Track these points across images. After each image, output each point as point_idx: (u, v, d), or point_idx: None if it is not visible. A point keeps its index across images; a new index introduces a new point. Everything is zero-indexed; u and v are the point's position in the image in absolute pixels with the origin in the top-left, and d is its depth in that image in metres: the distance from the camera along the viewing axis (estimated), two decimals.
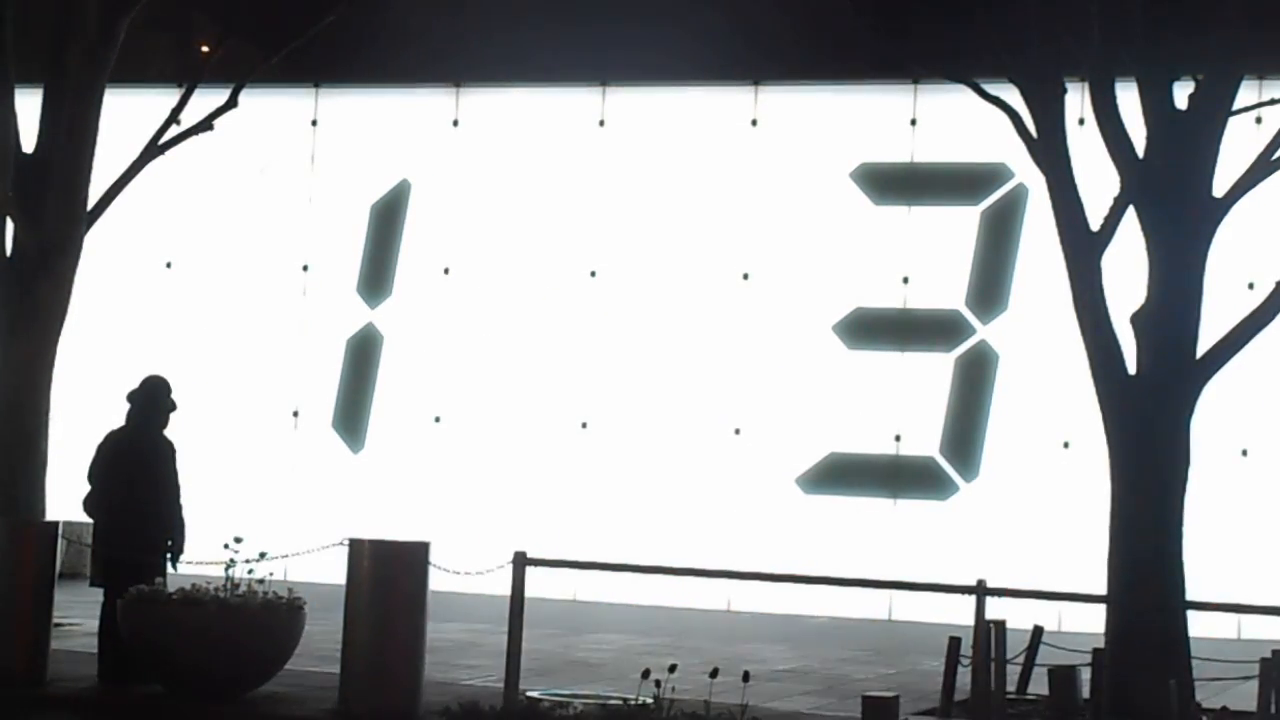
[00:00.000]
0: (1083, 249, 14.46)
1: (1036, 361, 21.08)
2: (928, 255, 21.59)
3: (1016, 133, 14.75)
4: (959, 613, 14.48)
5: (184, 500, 14.25)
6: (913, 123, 21.81)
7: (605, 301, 22.50)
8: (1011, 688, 13.85)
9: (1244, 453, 20.50)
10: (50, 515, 16.72)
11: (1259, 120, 17.55)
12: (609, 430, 22.34)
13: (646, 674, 11.62)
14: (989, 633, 12.98)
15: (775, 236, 22.10)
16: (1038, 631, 14.53)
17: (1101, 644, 13.82)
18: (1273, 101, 15.67)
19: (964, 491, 21.32)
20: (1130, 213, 14.45)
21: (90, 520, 14.31)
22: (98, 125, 17.89)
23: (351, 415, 23.17)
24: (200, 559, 13.77)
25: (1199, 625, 14.30)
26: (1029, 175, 19.51)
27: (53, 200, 17.57)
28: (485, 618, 17.36)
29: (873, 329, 21.73)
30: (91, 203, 17.89)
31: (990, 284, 21.41)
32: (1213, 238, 14.39)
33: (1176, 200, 14.26)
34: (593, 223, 22.65)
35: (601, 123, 22.76)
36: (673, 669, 11.67)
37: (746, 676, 11.90)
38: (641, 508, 21.99)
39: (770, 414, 21.92)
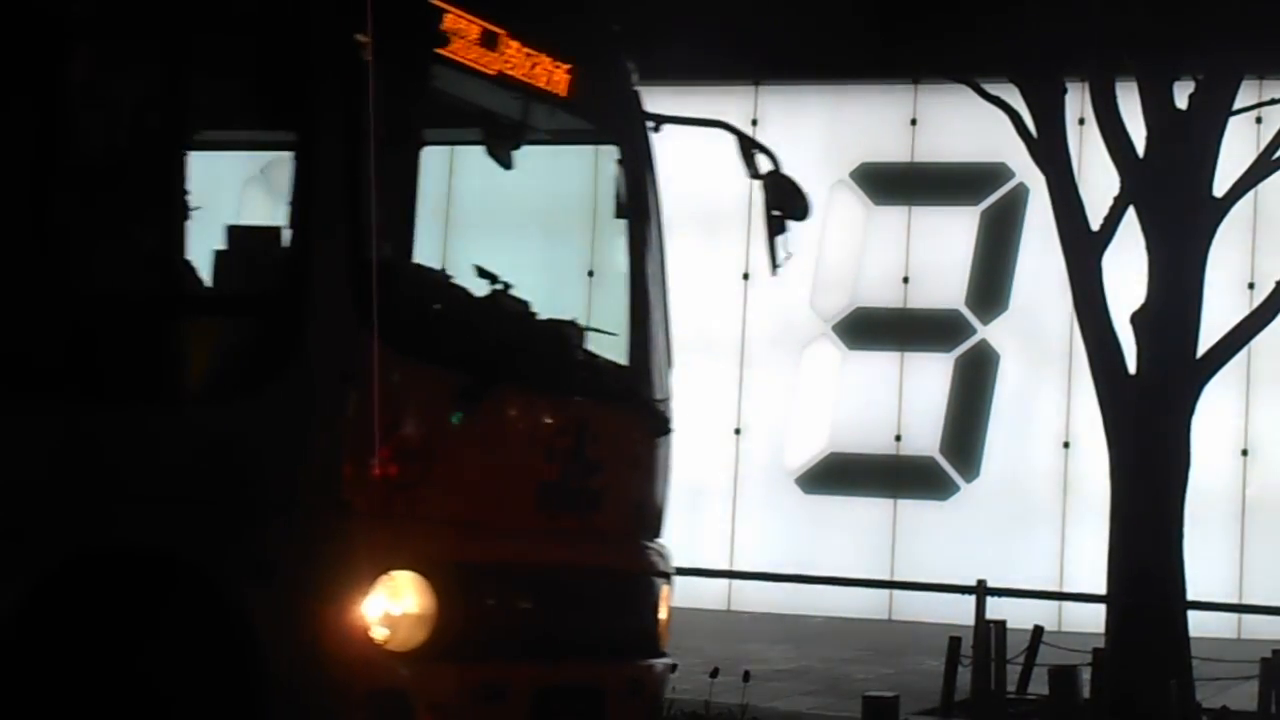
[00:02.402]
0: (1083, 249, 14.46)
1: (1036, 361, 21.07)
2: (928, 255, 21.56)
3: (1016, 133, 14.75)
4: (959, 613, 14.49)
5: None
6: (913, 123, 21.78)
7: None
8: (1011, 688, 13.85)
9: (1244, 453, 20.49)
10: None
11: (1259, 120, 17.55)
12: None
13: None
14: (989, 633, 12.99)
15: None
16: (1038, 631, 14.53)
17: (1101, 644, 13.83)
18: (1273, 101, 15.68)
19: (964, 491, 21.30)
20: (1130, 213, 14.45)
21: None
22: None
23: None
24: None
25: (1199, 625, 14.31)
26: (1029, 175, 19.47)
27: None
28: None
29: (873, 329, 21.71)
30: None
31: (990, 284, 21.39)
32: (1213, 238, 14.39)
33: (1176, 200, 14.27)
34: (593, 223, 22.59)
35: None
36: (673, 669, 11.65)
37: (747, 676, 11.88)
38: None
39: (770, 414, 21.89)
